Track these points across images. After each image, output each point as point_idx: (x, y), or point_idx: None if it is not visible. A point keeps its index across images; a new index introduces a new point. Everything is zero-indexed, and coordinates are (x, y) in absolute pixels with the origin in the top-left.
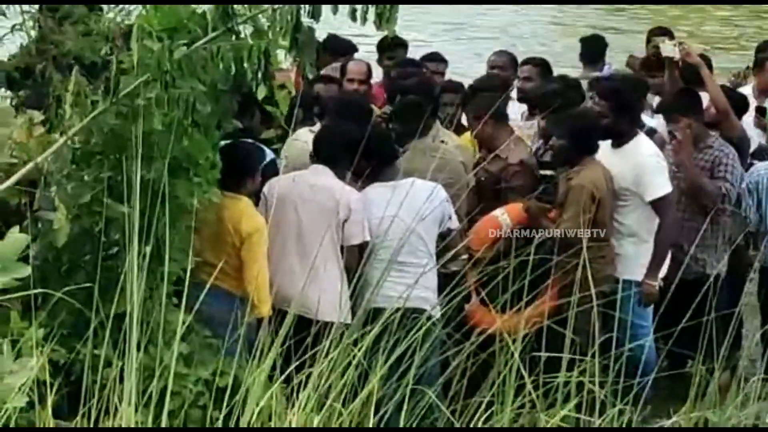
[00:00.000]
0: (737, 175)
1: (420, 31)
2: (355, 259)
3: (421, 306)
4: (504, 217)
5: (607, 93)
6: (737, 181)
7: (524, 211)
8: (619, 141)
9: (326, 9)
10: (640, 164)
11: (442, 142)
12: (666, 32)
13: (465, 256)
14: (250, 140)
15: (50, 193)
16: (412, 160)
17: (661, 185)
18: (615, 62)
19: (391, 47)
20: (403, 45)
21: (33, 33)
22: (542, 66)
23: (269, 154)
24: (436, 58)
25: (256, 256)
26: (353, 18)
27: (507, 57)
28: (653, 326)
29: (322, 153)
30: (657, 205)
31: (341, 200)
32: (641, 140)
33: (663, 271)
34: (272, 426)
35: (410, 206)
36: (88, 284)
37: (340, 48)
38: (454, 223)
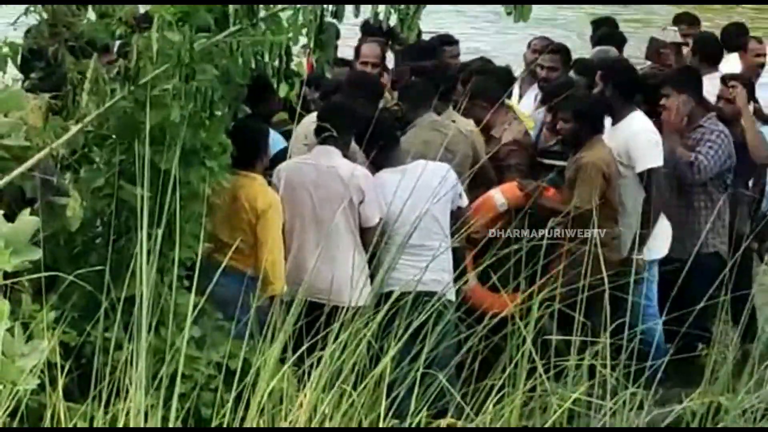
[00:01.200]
0: (720, 153)
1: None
2: (374, 239)
3: (433, 289)
4: (499, 196)
5: (601, 72)
6: (719, 159)
7: (519, 189)
8: (615, 118)
9: (348, 8)
10: (632, 137)
11: (453, 122)
12: (685, 20)
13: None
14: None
15: (63, 178)
16: (419, 135)
17: (650, 158)
18: None
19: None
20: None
21: (45, 15)
22: (563, 52)
23: (281, 141)
24: (449, 40)
25: (271, 232)
26: (375, 22)
27: (547, 42)
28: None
29: (327, 127)
30: (645, 178)
31: (350, 183)
32: (635, 115)
33: (664, 250)
34: (283, 407)
35: (423, 189)
36: (99, 267)
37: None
38: (464, 201)
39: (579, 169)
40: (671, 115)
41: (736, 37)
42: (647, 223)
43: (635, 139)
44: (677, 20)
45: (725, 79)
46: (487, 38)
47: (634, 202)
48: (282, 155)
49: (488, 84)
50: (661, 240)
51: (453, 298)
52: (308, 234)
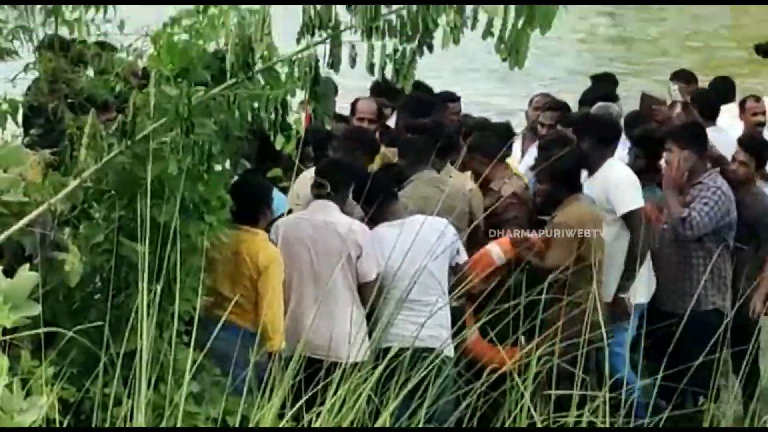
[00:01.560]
0: (715, 209)
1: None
2: (373, 293)
3: (431, 345)
4: (496, 249)
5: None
6: (714, 216)
7: (512, 244)
8: (591, 169)
9: (344, 60)
10: (610, 182)
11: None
12: (683, 76)
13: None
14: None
15: (62, 233)
16: (417, 191)
17: (630, 199)
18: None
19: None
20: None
21: (44, 72)
22: (562, 109)
23: (284, 203)
24: (451, 97)
25: (271, 287)
26: (371, 72)
27: (547, 99)
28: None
29: (324, 184)
30: (628, 220)
31: (348, 238)
32: (611, 162)
33: (645, 296)
34: None
35: (421, 243)
36: (98, 323)
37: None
38: (463, 257)
39: (553, 228)
40: (672, 170)
41: (724, 91)
42: (633, 265)
43: (613, 183)
44: (675, 76)
45: (741, 141)
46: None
47: (619, 246)
48: (266, 184)
49: (487, 139)
50: (643, 285)
51: (451, 354)
52: (306, 289)
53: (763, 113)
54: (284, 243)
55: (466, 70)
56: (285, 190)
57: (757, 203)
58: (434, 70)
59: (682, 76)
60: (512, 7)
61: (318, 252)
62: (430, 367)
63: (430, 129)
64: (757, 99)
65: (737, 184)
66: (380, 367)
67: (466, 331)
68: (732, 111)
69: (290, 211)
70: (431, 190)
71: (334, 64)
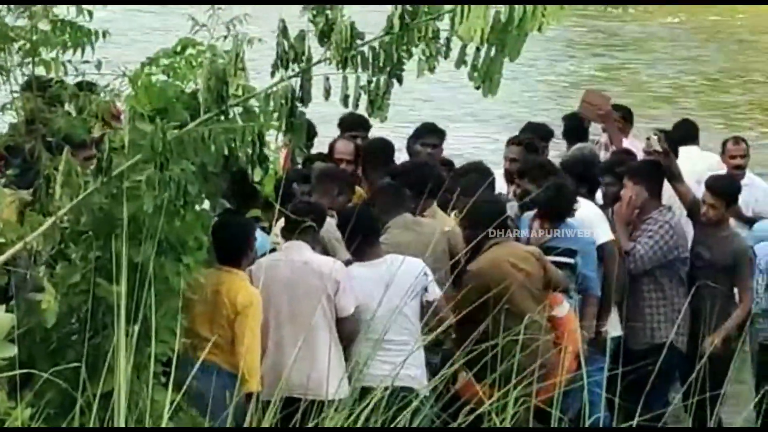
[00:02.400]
0: (660, 243)
1: None
2: (354, 327)
3: (409, 384)
4: None
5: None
6: (659, 250)
7: None
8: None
9: (317, 94)
10: (579, 219)
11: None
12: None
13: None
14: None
15: (37, 271)
16: (392, 237)
17: (600, 233)
18: None
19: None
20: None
21: (22, 112)
22: (527, 145)
23: (267, 243)
24: (432, 129)
25: (249, 329)
26: (345, 104)
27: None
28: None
29: (296, 225)
30: (599, 254)
31: (325, 274)
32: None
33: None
34: None
35: (396, 285)
36: (75, 364)
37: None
38: (431, 295)
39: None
40: (623, 206)
41: (686, 134)
42: (608, 297)
43: (582, 220)
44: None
45: (707, 184)
46: None
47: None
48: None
49: (474, 180)
50: (613, 320)
51: (428, 393)
52: (285, 330)
53: (742, 156)
54: (262, 285)
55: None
56: (265, 230)
57: (728, 244)
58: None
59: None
60: (485, 37)
61: (296, 293)
62: (408, 406)
63: (408, 172)
64: (737, 141)
65: (708, 226)
66: (362, 407)
67: (451, 372)
68: (693, 152)
69: (273, 250)
70: (407, 235)
71: (304, 99)
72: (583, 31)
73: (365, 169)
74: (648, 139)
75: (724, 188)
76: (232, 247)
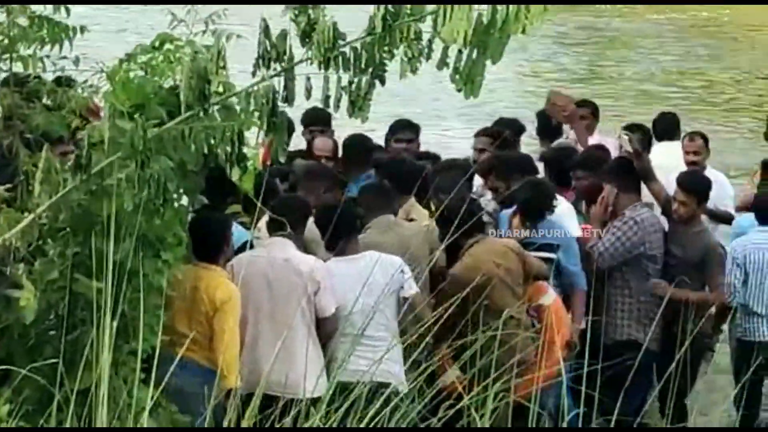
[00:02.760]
0: (622, 239)
1: None
2: (334, 327)
3: (387, 380)
4: None
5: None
6: (621, 246)
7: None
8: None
9: (299, 93)
10: (558, 215)
11: (411, 220)
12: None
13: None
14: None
15: (16, 269)
16: (372, 238)
17: (573, 229)
18: None
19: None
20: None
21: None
22: (496, 137)
23: (245, 234)
24: (406, 124)
25: (227, 325)
26: (326, 104)
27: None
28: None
29: (280, 222)
30: None
31: (305, 273)
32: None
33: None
34: None
35: (372, 281)
36: (53, 360)
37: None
38: (407, 292)
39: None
40: (597, 206)
41: (667, 127)
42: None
43: (560, 214)
44: (630, 128)
45: (678, 181)
46: None
47: None
48: (244, 248)
49: (451, 177)
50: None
51: (406, 389)
52: (263, 327)
53: (696, 152)
54: (241, 281)
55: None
56: (244, 225)
57: (699, 240)
58: None
59: (638, 129)
60: (468, 39)
61: (276, 290)
62: (387, 402)
63: (388, 166)
64: (692, 138)
65: (680, 223)
66: (340, 404)
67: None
68: (674, 148)
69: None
70: (387, 236)
71: (288, 99)
72: (571, 27)
73: (345, 165)
74: (619, 137)
75: (695, 185)
76: (210, 244)
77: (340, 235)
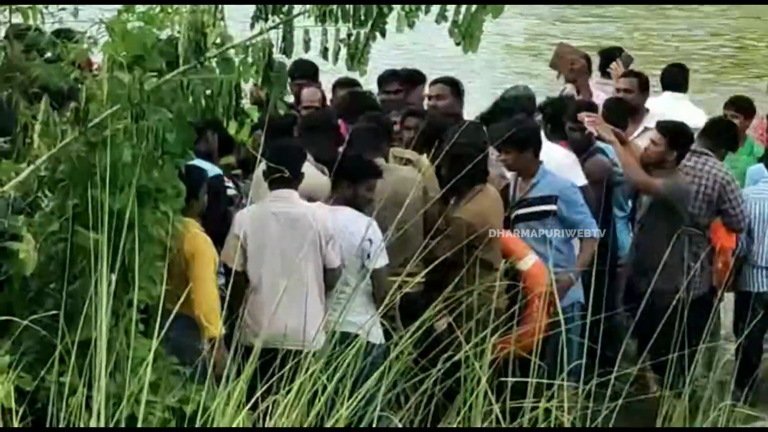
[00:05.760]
0: None
1: None
2: (336, 279)
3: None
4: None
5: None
6: None
7: None
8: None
9: (297, 45)
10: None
11: (408, 162)
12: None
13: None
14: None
15: (16, 221)
16: None
17: (574, 178)
18: None
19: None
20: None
21: None
22: (446, 83)
23: (213, 170)
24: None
25: (202, 275)
26: (324, 57)
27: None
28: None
29: (279, 170)
30: None
31: (318, 225)
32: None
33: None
34: None
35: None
36: (54, 311)
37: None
38: (376, 263)
39: (448, 222)
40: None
41: (672, 79)
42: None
43: (557, 164)
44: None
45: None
46: None
47: None
48: (217, 181)
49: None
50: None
51: (374, 340)
52: (278, 282)
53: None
54: (250, 236)
55: None
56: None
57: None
58: None
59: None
60: None
61: (288, 244)
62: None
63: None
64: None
65: (649, 165)
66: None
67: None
68: (682, 109)
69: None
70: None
71: (287, 50)
72: None
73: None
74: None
75: (669, 128)
76: None
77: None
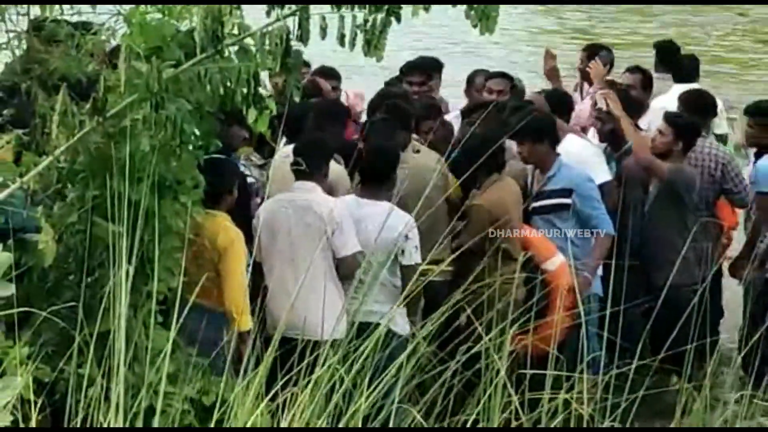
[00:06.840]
0: None
1: None
2: (352, 268)
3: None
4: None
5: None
6: None
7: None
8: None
9: (314, 32)
10: (576, 158)
11: (417, 152)
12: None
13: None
14: (225, 156)
15: (35, 212)
16: None
17: (599, 173)
18: None
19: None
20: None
21: (18, 52)
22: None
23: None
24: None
25: (233, 268)
26: (341, 43)
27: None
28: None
29: (303, 163)
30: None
31: (325, 214)
32: (569, 138)
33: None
34: None
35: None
36: (72, 303)
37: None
38: (407, 260)
39: (468, 211)
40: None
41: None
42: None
43: (578, 158)
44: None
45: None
46: None
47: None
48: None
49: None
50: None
51: (399, 330)
52: (287, 271)
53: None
54: (266, 227)
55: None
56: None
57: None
58: None
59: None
60: None
61: (295, 233)
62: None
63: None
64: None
65: (656, 155)
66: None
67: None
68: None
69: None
70: (399, 172)
71: (303, 37)
72: None
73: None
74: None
75: (676, 120)
76: (211, 189)
77: (381, 178)
